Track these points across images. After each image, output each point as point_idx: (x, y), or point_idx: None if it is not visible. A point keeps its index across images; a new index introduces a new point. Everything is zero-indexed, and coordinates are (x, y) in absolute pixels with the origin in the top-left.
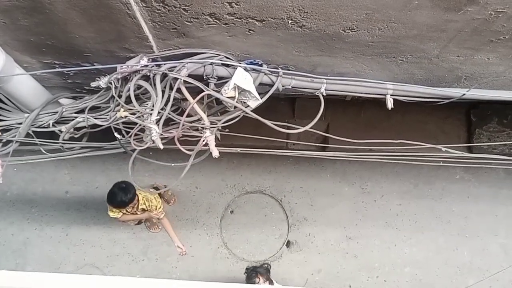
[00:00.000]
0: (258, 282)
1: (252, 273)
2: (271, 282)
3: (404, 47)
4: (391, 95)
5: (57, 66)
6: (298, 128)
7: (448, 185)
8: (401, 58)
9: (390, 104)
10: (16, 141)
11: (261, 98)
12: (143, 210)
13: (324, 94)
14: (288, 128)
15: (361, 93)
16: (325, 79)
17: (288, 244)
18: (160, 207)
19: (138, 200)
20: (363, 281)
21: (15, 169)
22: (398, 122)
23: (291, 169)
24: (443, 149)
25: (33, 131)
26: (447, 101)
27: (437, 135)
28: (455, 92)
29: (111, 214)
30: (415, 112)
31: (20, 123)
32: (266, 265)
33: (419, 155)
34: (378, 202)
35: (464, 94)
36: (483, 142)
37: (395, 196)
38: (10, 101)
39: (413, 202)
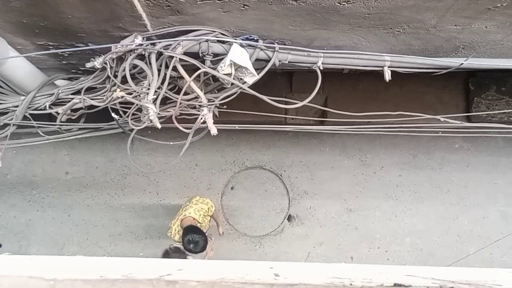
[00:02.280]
0: None
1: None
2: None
3: (401, 18)
4: (388, 67)
5: (51, 47)
6: (296, 103)
7: (447, 155)
8: (398, 29)
9: (388, 76)
10: (14, 124)
11: (258, 74)
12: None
13: (321, 68)
14: (286, 103)
15: (359, 65)
16: (322, 52)
17: (289, 218)
18: (211, 205)
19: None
20: (365, 252)
21: (14, 152)
22: (396, 94)
23: (290, 143)
24: (442, 119)
25: (30, 114)
26: (445, 71)
27: (435, 105)
28: (453, 62)
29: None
30: (412, 83)
31: (17, 106)
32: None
33: (418, 126)
34: (378, 174)
35: (462, 64)
36: (482, 111)
37: (394, 168)
38: (6, 84)
39: (413, 172)
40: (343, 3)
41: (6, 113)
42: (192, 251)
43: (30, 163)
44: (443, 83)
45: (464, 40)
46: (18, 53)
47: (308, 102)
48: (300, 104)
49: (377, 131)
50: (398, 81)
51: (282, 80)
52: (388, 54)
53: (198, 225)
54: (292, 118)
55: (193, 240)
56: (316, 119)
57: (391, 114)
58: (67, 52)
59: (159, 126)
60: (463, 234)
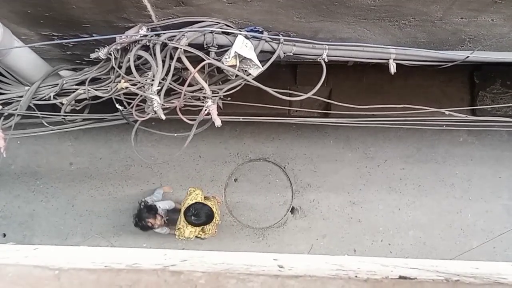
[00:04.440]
0: (153, 225)
1: (142, 224)
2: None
3: (407, 10)
4: (394, 59)
5: (56, 38)
6: (300, 95)
7: (452, 148)
8: (404, 22)
9: (393, 68)
10: (18, 115)
11: (262, 66)
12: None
13: (326, 61)
14: (290, 95)
15: (364, 58)
16: (327, 45)
17: (292, 210)
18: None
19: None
20: (368, 245)
21: (18, 142)
22: (401, 86)
23: (294, 136)
24: (447, 112)
25: (34, 104)
26: (450, 64)
27: (440, 99)
28: (459, 55)
29: (190, 235)
30: (417, 76)
31: (21, 96)
32: (142, 205)
33: (422, 119)
34: (382, 167)
35: (467, 57)
36: (487, 104)
37: (398, 161)
38: (10, 74)
39: (417, 166)
40: None
41: (11, 103)
42: (194, 223)
43: (35, 154)
44: (448, 76)
45: (470, 33)
46: (23, 43)
47: (312, 95)
48: (305, 96)
49: (381, 124)
50: (402, 74)
51: (287, 72)
52: (394, 47)
53: None
54: (296, 111)
55: (194, 211)
56: (320, 111)
57: (396, 107)
58: (71, 43)
59: (163, 117)
60: (466, 227)
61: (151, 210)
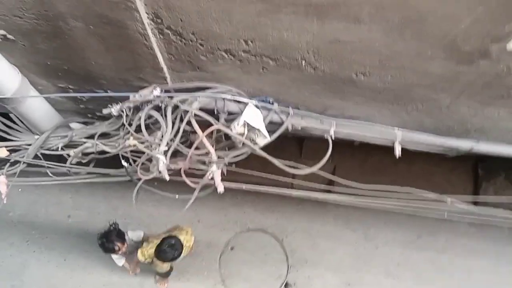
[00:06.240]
0: (118, 251)
1: (108, 245)
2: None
3: (416, 95)
4: (399, 141)
5: (71, 90)
6: (305, 169)
7: (452, 238)
8: (412, 106)
9: (398, 152)
10: (24, 162)
11: (270, 136)
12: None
13: (333, 138)
14: (295, 168)
15: (370, 137)
16: (335, 121)
17: (286, 285)
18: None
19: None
20: None
21: (19, 190)
22: (405, 170)
23: (294, 209)
24: (449, 201)
25: (41, 153)
26: (455, 154)
27: (443, 186)
28: (464, 144)
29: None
30: (422, 161)
31: (30, 144)
32: (112, 226)
33: (424, 207)
34: (380, 250)
35: (472, 149)
36: (490, 195)
37: (397, 245)
38: (22, 122)
39: (416, 252)
40: (360, 75)
41: (18, 150)
42: (168, 253)
43: (34, 203)
44: (452, 164)
45: (476, 124)
46: (38, 93)
47: (317, 170)
48: (309, 170)
49: (383, 206)
50: (407, 158)
51: (292, 144)
52: (400, 129)
53: None
54: (299, 184)
55: (170, 243)
56: (323, 186)
57: (399, 192)
58: (86, 97)
59: (167, 178)
60: None
61: (121, 235)
